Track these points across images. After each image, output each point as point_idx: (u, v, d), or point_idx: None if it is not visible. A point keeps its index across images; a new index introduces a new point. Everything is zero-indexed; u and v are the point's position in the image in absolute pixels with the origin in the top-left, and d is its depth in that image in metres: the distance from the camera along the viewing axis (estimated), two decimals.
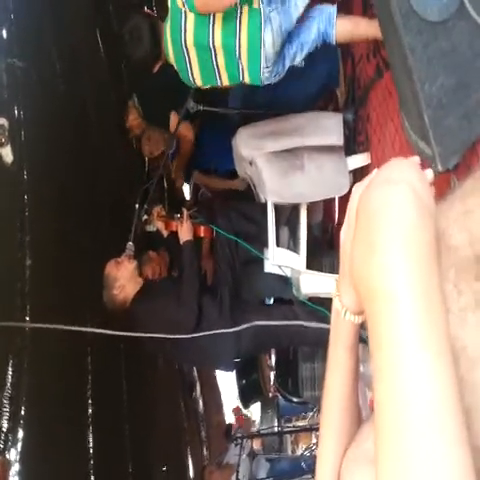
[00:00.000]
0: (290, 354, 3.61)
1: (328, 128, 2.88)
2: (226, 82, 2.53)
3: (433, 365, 0.49)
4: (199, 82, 2.54)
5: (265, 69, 2.43)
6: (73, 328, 2.17)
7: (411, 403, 0.48)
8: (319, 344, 3.15)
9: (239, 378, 5.72)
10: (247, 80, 2.50)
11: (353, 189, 0.73)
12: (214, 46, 2.36)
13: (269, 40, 2.34)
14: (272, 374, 5.35)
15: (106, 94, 4.00)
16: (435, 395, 0.48)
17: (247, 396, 5.91)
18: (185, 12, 2.30)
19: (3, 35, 2.82)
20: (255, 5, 2.33)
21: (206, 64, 2.46)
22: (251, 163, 2.91)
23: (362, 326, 0.76)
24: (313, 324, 2.55)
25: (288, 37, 2.43)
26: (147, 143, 3.80)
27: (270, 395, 5.97)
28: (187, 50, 2.41)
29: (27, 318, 2.54)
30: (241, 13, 2.32)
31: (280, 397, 5.11)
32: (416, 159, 0.69)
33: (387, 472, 0.48)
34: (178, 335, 2.62)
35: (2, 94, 2.73)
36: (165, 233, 3.28)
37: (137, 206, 3.26)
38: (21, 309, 2.58)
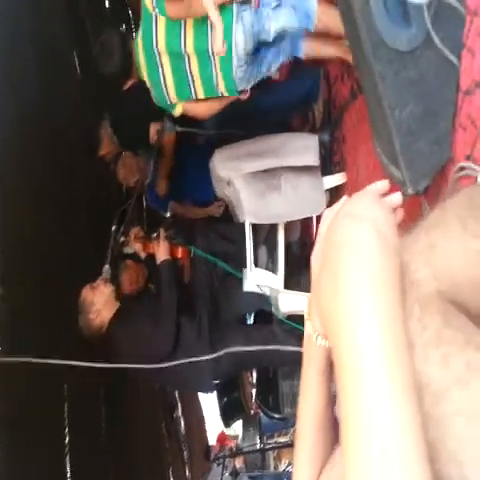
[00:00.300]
0: (270, 372, 3.64)
1: (304, 149, 2.92)
2: (201, 93, 2.49)
3: (397, 398, 0.50)
4: (173, 95, 2.49)
5: (238, 68, 2.39)
6: (47, 361, 2.10)
7: (374, 434, 0.49)
8: (298, 363, 3.15)
9: (220, 397, 5.69)
10: (222, 86, 2.45)
11: (324, 213, 0.77)
12: (186, 51, 2.33)
13: (240, 39, 2.31)
14: (253, 391, 5.33)
15: (79, 114, 3.95)
16: (398, 427, 0.49)
17: (229, 414, 5.87)
18: (156, 16, 2.28)
19: None
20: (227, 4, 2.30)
21: (180, 73, 2.42)
22: (229, 183, 2.94)
23: None
24: (290, 348, 2.52)
25: (264, 44, 2.42)
26: (122, 168, 3.67)
27: (252, 412, 5.94)
28: (159, 57, 2.38)
29: None
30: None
31: (262, 414, 5.10)
32: (382, 185, 0.71)
33: None
34: (155, 361, 2.56)
35: None
36: (143, 255, 3.25)
37: (113, 228, 3.22)
38: None
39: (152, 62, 2.41)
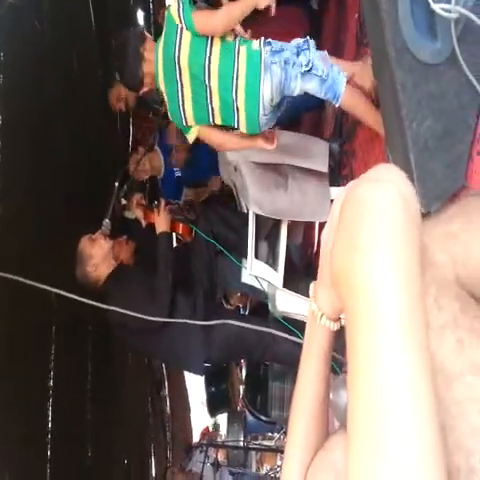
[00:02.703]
0: (261, 371, 3.60)
1: (314, 153, 2.89)
2: (218, 120, 2.42)
3: (414, 361, 0.48)
4: (190, 117, 2.41)
5: (263, 117, 2.36)
6: (38, 284, 2.09)
7: (388, 400, 0.47)
8: (290, 363, 3.15)
9: (208, 385, 5.67)
10: (243, 126, 2.40)
11: (336, 194, 0.73)
12: (210, 70, 2.25)
13: (267, 91, 2.27)
14: (241, 388, 5.32)
15: (91, 64, 3.93)
16: (413, 391, 0.47)
17: (215, 405, 5.87)
18: (182, 29, 2.22)
19: None
20: (254, 47, 2.26)
21: (199, 94, 2.34)
22: (236, 169, 2.90)
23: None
24: (283, 334, 2.47)
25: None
26: (145, 166, 3.72)
27: (238, 409, 5.94)
28: (180, 73, 2.29)
29: None
30: (239, 52, 2.25)
31: (248, 413, 5.09)
32: None
33: (360, 471, 0.47)
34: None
35: None
36: (143, 223, 3.24)
37: (116, 184, 3.19)
38: None
39: (172, 77, 2.31)
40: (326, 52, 2.30)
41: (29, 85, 2.95)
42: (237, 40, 2.30)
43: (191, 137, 2.51)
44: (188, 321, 2.54)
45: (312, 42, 2.27)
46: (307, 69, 2.21)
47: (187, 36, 2.23)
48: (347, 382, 0.52)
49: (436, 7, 1.30)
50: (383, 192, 0.55)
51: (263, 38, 2.30)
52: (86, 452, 3.31)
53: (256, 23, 2.89)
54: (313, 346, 0.76)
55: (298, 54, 2.23)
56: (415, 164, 1.40)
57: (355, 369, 0.50)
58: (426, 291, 0.60)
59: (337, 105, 2.33)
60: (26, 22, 3.02)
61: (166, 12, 2.28)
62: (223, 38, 2.26)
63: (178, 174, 3.91)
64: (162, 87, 2.39)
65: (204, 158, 3.76)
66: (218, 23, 2.20)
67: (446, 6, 1.29)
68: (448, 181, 1.46)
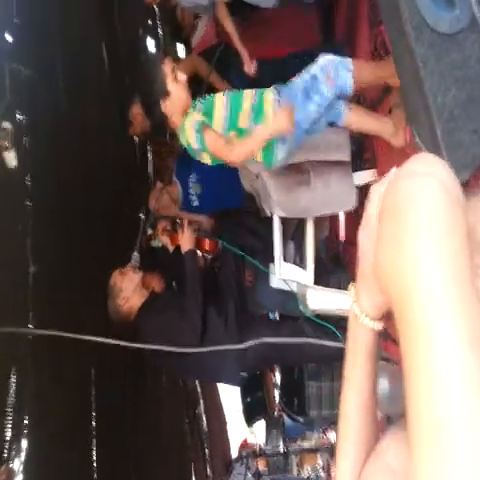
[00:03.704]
0: (295, 373, 3.56)
1: (336, 144, 2.86)
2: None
3: (473, 355, 0.48)
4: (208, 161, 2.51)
5: (278, 162, 2.50)
6: (76, 336, 2.16)
7: (448, 403, 0.46)
8: (325, 362, 3.10)
9: (244, 396, 5.63)
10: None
11: (371, 188, 0.72)
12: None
13: (281, 155, 2.43)
14: (277, 393, 5.26)
15: (110, 103, 3.97)
16: (472, 392, 0.46)
17: (252, 414, 5.82)
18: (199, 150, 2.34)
19: (9, 41, 2.84)
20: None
21: None
22: (257, 176, 2.90)
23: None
24: (320, 341, 2.52)
25: None
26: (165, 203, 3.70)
27: (275, 414, 5.87)
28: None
29: (30, 326, 2.50)
30: None
31: (286, 417, 5.02)
32: None
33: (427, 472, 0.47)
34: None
35: (7, 99, 2.72)
36: (171, 248, 3.26)
37: (143, 216, 3.23)
38: (24, 316, 2.54)
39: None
40: (350, 61, 2.35)
41: (51, 141, 3.04)
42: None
43: (207, 161, 2.55)
44: (223, 347, 2.56)
45: (315, 70, 2.33)
46: (319, 115, 2.38)
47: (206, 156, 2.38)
48: (404, 382, 0.52)
49: None
50: (424, 186, 0.55)
51: (275, 96, 2.41)
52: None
53: (267, 31, 2.95)
54: (358, 347, 0.76)
55: (308, 96, 2.32)
56: (442, 136, 1.38)
57: (412, 370, 0.51)
58: (476, 274, 0.58)
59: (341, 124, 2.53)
60: (44, 85, 3.10)
61: (180, 133, 2.39)
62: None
63: (196, 203, 3.88)
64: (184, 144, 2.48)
65: (219, 188, 3.79)
66: (234, 159, 2.32)
67: None
68: (476, 147, 1.43)
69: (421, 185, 0.56)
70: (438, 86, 1.39)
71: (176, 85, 2.34)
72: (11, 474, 2.35)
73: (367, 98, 3.14)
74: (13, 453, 2.36)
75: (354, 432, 0.76)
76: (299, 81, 2.37)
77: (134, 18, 5.00)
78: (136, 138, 3.88)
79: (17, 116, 2.76)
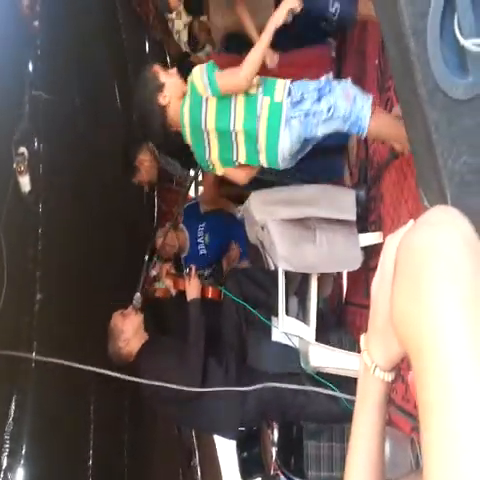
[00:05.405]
0: (293, 431, 3.45)
1: (341, 203, 2.87)
2: (243, 161, 2.51)
3: None
4: (216, 162, 2.53)
5: (283, 162, 2.45)
6: (78, 365, 2.17)
7: (476, 459, 0.45)
8: (325, 421, 3.02)
9: (240, 451, 5.49)
10: (264, 163, 2.49)
11: (386, 240, 0.71)
12: (235, 129, 2.36)
13: (286, 145, 2.35)
14: (274, 450, 5.12)
15: (121, 139, 4.02)
16: None
17: (248, 471, 5.64)
18: (207, 99, 2.30)
19: (30, 68, 2.89)
20: (277, 98, 2.32)
21: (226, 146, 2.44)
22: (263, 228, 2.89)
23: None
24: (324, 391, 2.49)
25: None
26: (172, 242, 3.73)
27: (272, 472, 5.69)
28: (208, 134, 2.40)
29: (33, 353, 2.46)
30: (262, 105, 2.32)
31: (282, 476, 4.86)
32: None
33: None
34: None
35: (24, 124, 2.75)
36: (173, 291, 3.25)
37: (146, 258, 3.22)
38: (27, 344, 2.51)
39: (198, 136, 2.44)
40: (349, 80, 2.31)
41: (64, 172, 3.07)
42: (260, 91, 2.34)
43: (218, 173, 2.61)
44: (226, 388, 2.53)
45: (334, 83, 2.29)
46: (329, 115, 2.24)
47: (212, 102, 2.32)
48: (421, 434, 0.51)
49: (468, 43, 1.28)
50: (443, 236, 0.54)
51: (289, 82, 2.35)
52: None
53: (279, 65, 2.96)
54: (368, 399, 0.74)
55: (320, 99, 2.26)
56: (451, 200, 1.36)
57: (430, 426, 0.49)
58: None
59: (363, 137, 2.41)
60: (61, 114, 3.16)
61: (188, 82, 2.37)
62: (246, 92, 2.33)
63: (203, 252, 3.89)
64: (188, 139, 2.49)
65: (225, 239, 3.81)
66: (242, 81, 2.26)
67: (478, 41, 1.26)
68: None
69: (442, 236, 0.54)
70: (450, 150, 1.38)
71: (168, 75, 2.42)
72: None
73: (374, 162, 3.15)
74: None
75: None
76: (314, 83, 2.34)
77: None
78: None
79: (34, 142, 2.79)
